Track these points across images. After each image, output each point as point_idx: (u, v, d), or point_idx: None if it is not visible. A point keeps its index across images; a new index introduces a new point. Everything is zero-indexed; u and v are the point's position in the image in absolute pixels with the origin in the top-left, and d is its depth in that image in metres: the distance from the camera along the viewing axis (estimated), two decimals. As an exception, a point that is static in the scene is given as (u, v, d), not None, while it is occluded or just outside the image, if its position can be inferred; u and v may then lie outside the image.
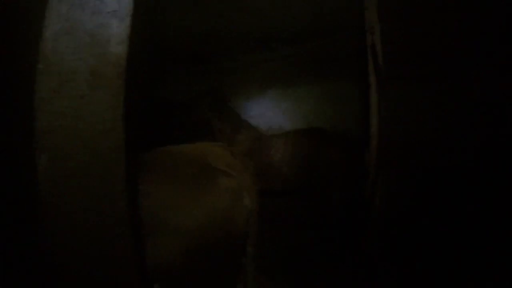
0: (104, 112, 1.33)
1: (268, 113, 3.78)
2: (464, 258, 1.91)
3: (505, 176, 1.85)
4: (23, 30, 1.35)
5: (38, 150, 1.34)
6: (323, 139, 3.07)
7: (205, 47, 3.44)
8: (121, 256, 1.56)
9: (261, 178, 3.32)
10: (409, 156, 1.99)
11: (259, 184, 2.15)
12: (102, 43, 1.33)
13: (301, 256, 2.61)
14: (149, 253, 1.73)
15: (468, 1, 2.14)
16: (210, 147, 2.22)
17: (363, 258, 1.99)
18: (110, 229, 1.49)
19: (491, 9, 2.14)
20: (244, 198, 1.88)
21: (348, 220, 2.56)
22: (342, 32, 2.27)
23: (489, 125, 1.96)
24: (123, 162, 1.48)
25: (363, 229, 2.00)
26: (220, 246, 1.90)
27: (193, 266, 1.89)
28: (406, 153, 2.00)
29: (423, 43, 2.17)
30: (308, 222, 2.97)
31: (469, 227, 1.87)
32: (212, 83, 3.92)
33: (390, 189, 1.92)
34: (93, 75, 1.36)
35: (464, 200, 1.93)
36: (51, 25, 1.35)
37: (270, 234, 2.79)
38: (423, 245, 1.90)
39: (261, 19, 2.46)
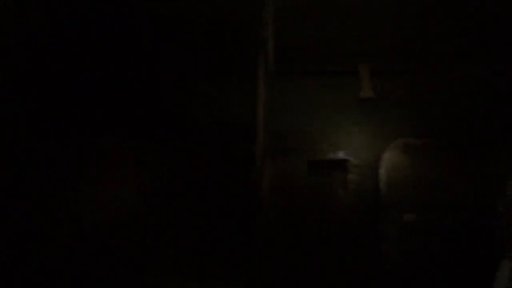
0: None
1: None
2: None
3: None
4: None
5: None
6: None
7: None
8: None
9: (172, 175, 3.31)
10: (293, 146, 2.06)
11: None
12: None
13: (207, 253, 2.59)
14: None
15: (357, 6, 2.27)
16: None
17: (258, 246, 2.01)
18: None
19: (377, 14, 2.27)
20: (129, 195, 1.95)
21: (242, 212, 2.57)
22: (237, 26, 2.32)
23: (369, 116, 2.09)
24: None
25: (254, 219, 2.03)
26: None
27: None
28: (291, 143, 2.07)
29: (312, 42, 2.27)
30: (214, 217, 2.95)
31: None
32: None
33: (276, 178, 1.97)
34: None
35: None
36: None
37: (179, 234, 2.76)
38: (306, 231, 1.95)
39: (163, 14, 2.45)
